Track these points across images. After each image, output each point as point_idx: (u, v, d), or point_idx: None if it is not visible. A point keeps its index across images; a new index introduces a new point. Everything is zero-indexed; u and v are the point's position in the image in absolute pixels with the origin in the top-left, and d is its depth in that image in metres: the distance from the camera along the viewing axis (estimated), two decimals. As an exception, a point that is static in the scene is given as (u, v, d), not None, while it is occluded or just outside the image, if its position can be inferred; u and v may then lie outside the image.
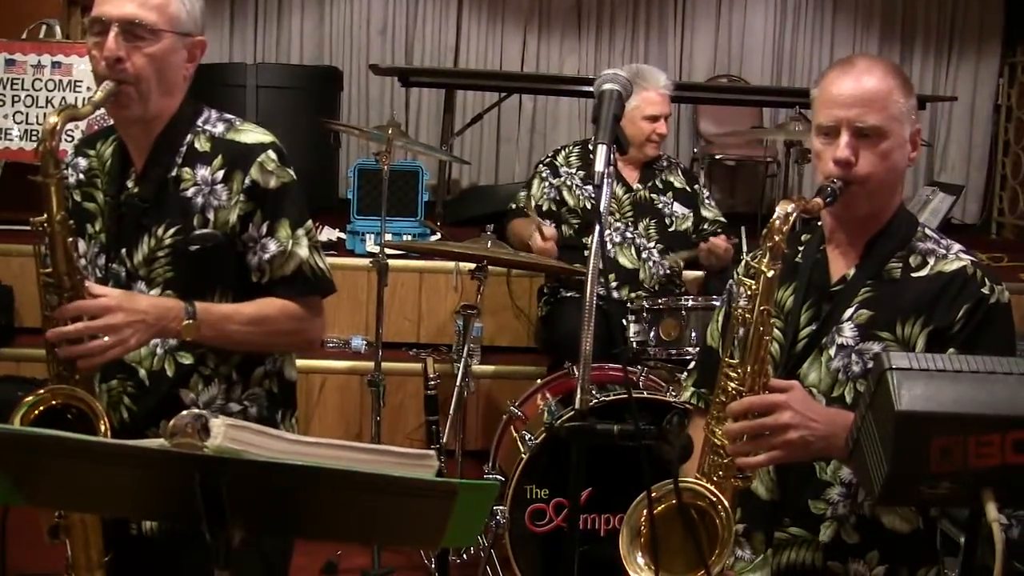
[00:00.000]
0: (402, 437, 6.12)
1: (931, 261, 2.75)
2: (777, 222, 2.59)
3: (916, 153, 2.80)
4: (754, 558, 2.83)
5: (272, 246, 2.79)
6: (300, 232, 2.83)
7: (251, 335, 2.78)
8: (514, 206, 5.57)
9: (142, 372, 2.80)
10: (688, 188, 5.56)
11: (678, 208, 5.46)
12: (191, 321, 2.65)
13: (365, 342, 6.44)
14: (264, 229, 2.78)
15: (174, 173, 2.78)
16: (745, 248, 5.26)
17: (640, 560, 2.54)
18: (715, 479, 2.66)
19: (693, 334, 4.81)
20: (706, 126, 9.43)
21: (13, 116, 6.64)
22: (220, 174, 2.77)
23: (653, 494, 2.49)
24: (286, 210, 2.81)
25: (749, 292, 2.64)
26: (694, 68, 9.77)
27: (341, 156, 8.78)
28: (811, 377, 2.77)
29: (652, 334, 4.88)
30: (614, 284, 5.18)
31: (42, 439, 1.94)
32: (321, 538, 2.07)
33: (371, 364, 5.26)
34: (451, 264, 6.36)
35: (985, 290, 2.67)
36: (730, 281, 3.08)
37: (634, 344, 4.89)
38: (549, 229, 5.13)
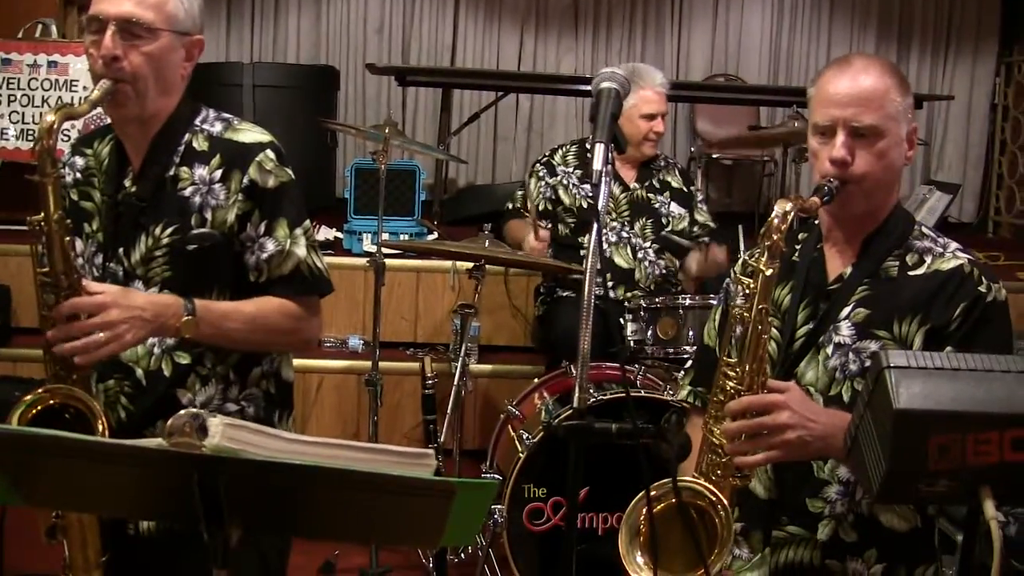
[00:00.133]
0: (399, 436, 6.12)
1: (928, 259, 2.75)
2: (775, 221, 2.59)
3: (913, 152, 2.80)
4: (752, 557, 2.84)
5: (270, 245, 2.78)
6: (298, 232, 2.83)
7: (249, 334, 2.78)
8: (511, 206, 5.57)
9: (139, 372, 2.80)
10: (685, 188, 5.56)
11: (675, 208, 5.46)
12: (190, 318, 2.64)
13: (362, 341, 6.44)
14: (262, 228, 2.78)
15: (172, 172, 2.78)
16: (743, 247, 5.26)
17: (639, 559, 2.54)
18: (713, 478, 2.66)
19: (690, 333, 4.81)
20: (703, 125, 9.42)
21: (9, 116, 6.63)
22: (218, 173, 2.77)
23: (652, 493, 2.49)
24: (284, 210, 2.81)
25: (747, 291, 2.64)
26: (691, 67, 9.76)
27: (338, 155, 8.76)
28: (808, 376, 2.77)
29: (649, 333, 4.88)
30: (610, 284, 5.18)
31: (40, 439, 1.94)
32: (319, 537, 2.06)
33: (368, 363, 5.26)
34: (448, 263, 6.36)
35: (982, 288, 2.67)
36: (727, 280, 3.08)
37: (631, 343, 4.89)
38: (544, 231, 5.13)
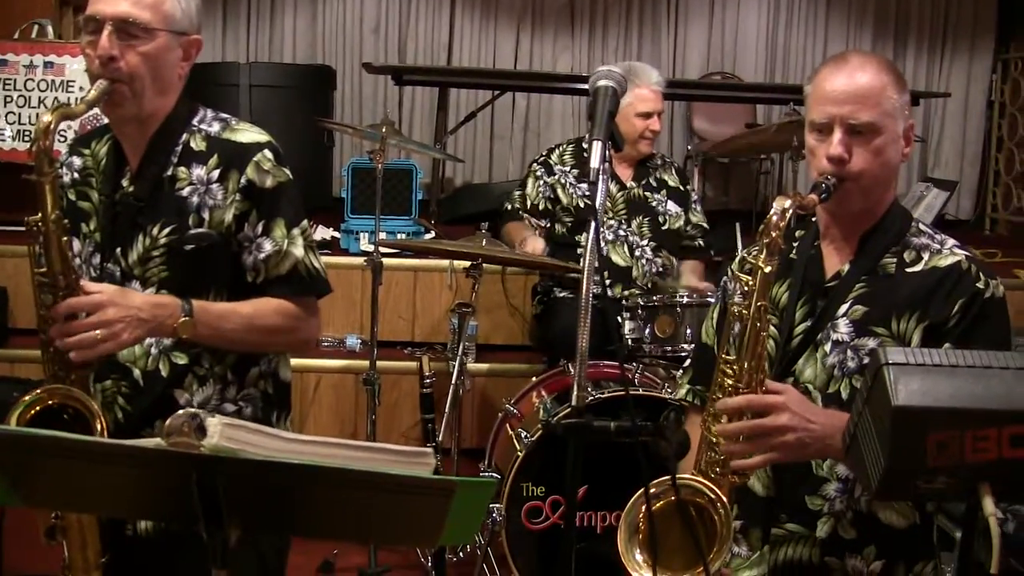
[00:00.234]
0: (397, 435, 6.11)
1: (925, 256, 2.75)
2: (774, 218, 2.59)
3: (909, 149, 2.80)
4: (751, 555, 2.84)
5: (267, 246, 2.78)
6: (296, 232, 2.82)
7: (247, 334, 2.77)
8: (508, 206, 5.56)
9: (136, 372, 2.79)
10: (681, 187, 5.57)
11: (672, 206, 5.47)
12: (187, 319, 2.64)
13: (360, 341, 6.44)
14: (260, 228, 2.78)
15: (169, 172, 2.78)
16: (740, 245, 5.27)
17: (638, 557, 2.53)
18: (712, 475, 2.66)
19: (688, 331, 4.81)
20: (700, 123, 9.43)
21: (5, 116, 6.63)
22: (216, 173, 2.76)
23: (651, 491, 2.49)
24: (282, 209, 2.81)
25: (745, 288, 2.64)
26: (687, 65, 9.77)
27: (335, 155, 8.77)
28: (807, 373, 2.77)
29: (647, 331, 4.89)
30: (607, 282, 5.18)
31: (39, 439, 1.94)
32: (319, 536, 2.06)
33: (366, 363, 5.26)
34: (445, 262, 6.37)
35: (980, 284, 2.67)
36: (724, 278, 3.08)
37: (629, 341, 4.89)
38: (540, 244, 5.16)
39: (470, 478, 1.90)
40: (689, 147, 9.38)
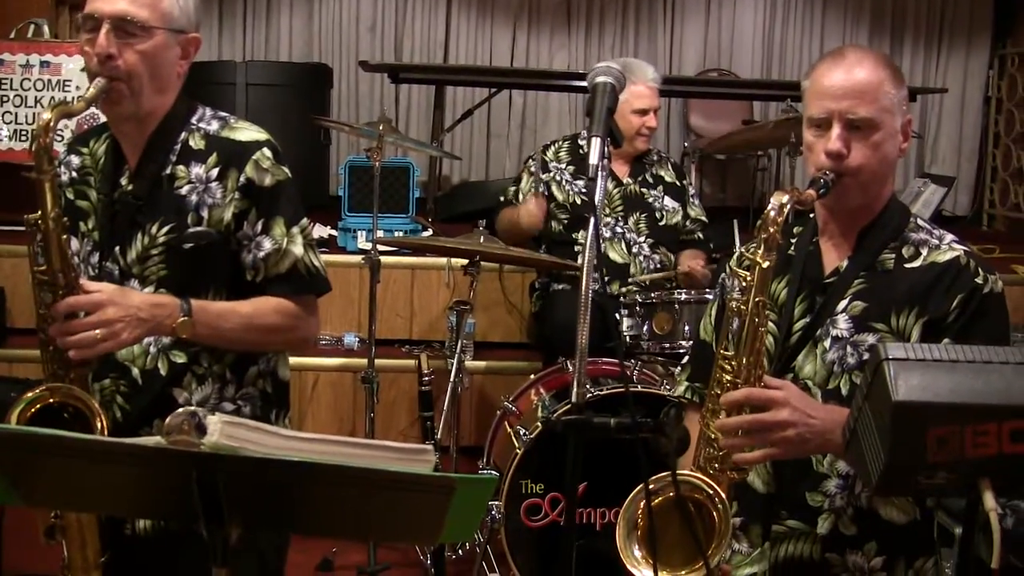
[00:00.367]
0: (395, 433, 6.11)
1: (924, 252, 2.75)
2: (772, 213, 2.59)
3: (907, 144, 2.80)
4: (751, 551, 2.83)
5: (267, 244, 2.78)
6: (295, 230, 2.82)
7: (246, 333, 2.77)
8: (503, 199, 5.56)
9: (135, 371, 2.79)
10: (678, 183, 5.57)
11: (668, 202, 5.47)
12: (186, 318, 2.64)
13: (357, 339, 6.44)
14: (259, 227, 2.78)
15: (168, 171, 2.78)
16: (738, 242, 5.27)
17: (637, 553, 2.53)
18: (711, 472, 2.65)
19: (686, 328, 4.82)
20: (696, 120, 9.43)
21: (2, 116, 6.62)
22: (215, 172, 2.76)
23: (650, 487, 2.49)
24: (281, 208, 2.81)
25: (744, 283, 2.64)
26: (684, 62, 9.76)
27: (331, 153, 8.76)
28: (806, 369, 2.77)
29: (645, 328, 4.89)
30: (606, 279, 5.18)
31: (39, 438, 1.93)
32: (319, 534, 2.07)
33: (363, 361, 5.26)
34: (443, 260, 6.37)
35: (979, 280, 2.67)
36: (723, 274, 3.08)
37: (627, 338, 4.89)
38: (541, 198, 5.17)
39: (470, 475, 1.90)
40: (686, 144, 9.38)
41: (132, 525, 2.81)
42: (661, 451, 2.35)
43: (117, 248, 2.77)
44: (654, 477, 2.50)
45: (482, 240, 4.76)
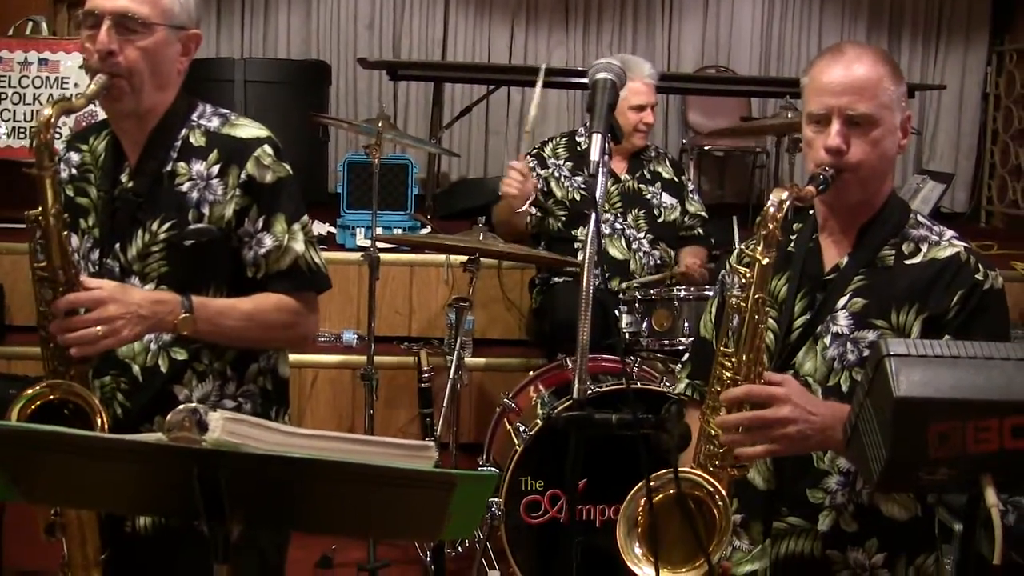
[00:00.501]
0: (394, 431, 6.10)
1: (924, 248, 2.75)
2: (771, 210, 2.59)
3: (906, 140, 2.80)
4: (752, 548, 2.83)
5: (268, 241, 2.78)
6: (296, 227, 2.82)
7: (247, 330, 2.77)
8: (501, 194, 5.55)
9: (135, 368, 2.79)
10: (676, 179, 5.57)
11: (666, 198, 5.47)
12: (187, 315, 2.64)
13: (356, 336, 6.44)
14: (260, 224, 2.78)
15: (169, 167, 2.78)
16: (737, 239, 5.27)
17: (638, 551, 2.54)
18: (711, 468, 2.66)
19: (686, 324, 4.81)
20: (694, 117, 9.43)
21: (0, 114, 6.62)
22: (216, 169, 2.76)
23: (651, 484, 2.49)
24: (282, 205, 2.81)
25: (743, 280, 2.64)
26: (682, 59, 9.76)
27: (330, 150, 8.76)
28: (807, 366, 2.77)
29: (644, 325, 4.89)
30: (606, 275, 5.18)
31: (40, 434, 1.93)
32: (320, 531, 2.07)
33: (362, 358, 5.24)
34: (441, 257, 6.36)
35: (979, 276, 2.67)
36: (723, 271, 3.08)
37: (627, 335, 4.89)
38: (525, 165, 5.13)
39: (471, 472, 1.90)
40: (684, 140, 9.38)
41: (132, 522, 2.81)
42: (662, 448, 2.35)
43: (117, 245, 2.77)
44: (655, 474, 2.50)
45: (481, 237, 4.76)
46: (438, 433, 4.40)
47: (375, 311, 5.15)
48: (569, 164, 5.44)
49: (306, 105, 7.82)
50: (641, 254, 5.31)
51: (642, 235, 5.34)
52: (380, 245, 5.24)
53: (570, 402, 2.34)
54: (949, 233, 2.80)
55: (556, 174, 5.42)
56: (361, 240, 6.65)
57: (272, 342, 2.90)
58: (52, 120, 2.53)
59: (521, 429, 4.43)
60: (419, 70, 8.44)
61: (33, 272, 2.56)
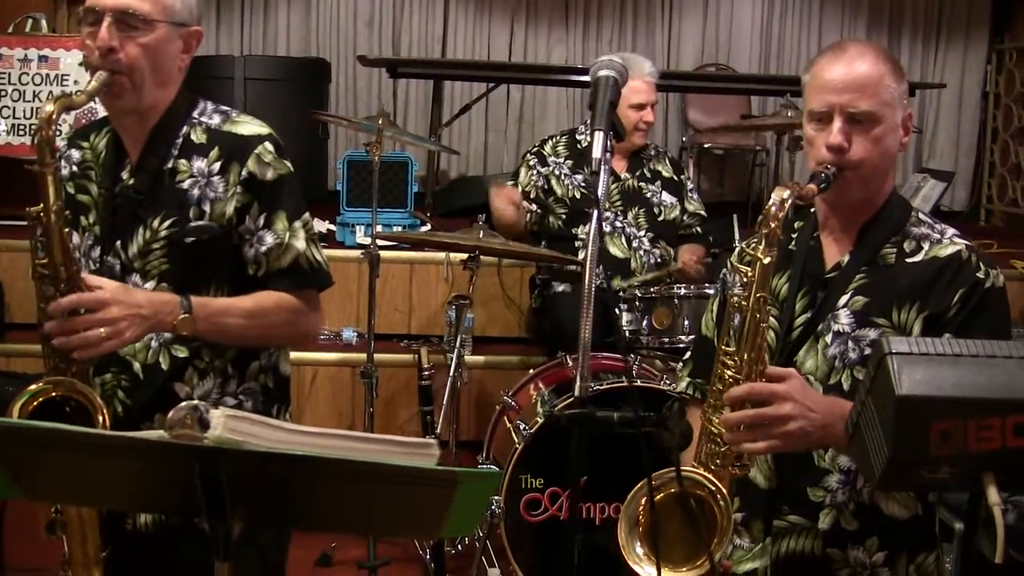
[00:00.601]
0: (394, 428, 6.10)
1: (925, 246, 2.75)
2: (773, 208, 2.58)
3: (907, 138, 2.79)
4: (753, 547, 2.83)
5: (269, 238, 2.78)
6: (297, 224, 2.82)
7: (247, 329, 2.77)
8: (501, 191, 5.56)
9: (136, 365, 2.78)
10: (675, 177, 5.57)
11: (666, 197, 5.47)
12: (187, 315, 2.64)
13: (356, 334, 6.44)
14: (261, 221, 2.77)
15: (170, 165, 2.77)
16: (737, 237, 5.27)
17: (639, 550, 2.54)
18: (712, 467, 2.65)
19: (686, 323, 4.82)
20: (694, 115, 9.42)
21: (0, 111, 6.62)
22: (217, 166, 2.76)
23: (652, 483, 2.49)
24: (283, 202, 2.80)
25: (745, 279, 2.63)
26: (682, 57, 9.76)
27: (330, 148, 8.76)
28: (808, 364, 2.76)
29: (644, 323, 4.89)
30: (607, 274, 5.17)
31: (41, 431, 1.93)
32: (322, 529, 2.07)
33: (362, 356, 5.25)
34: (440, 255, 6.36)
35: (980, 274, 2.67)
36: (724, 270, 3.07)
37: (627, 333, 4.89)
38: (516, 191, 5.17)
39: (474, 469, 1.90)
40: (684, 139, 9.38)
41: (133, 520, 2.81)
42: (664, 446, 2.35)
43: (118, 242, 2.76)
44: (656, 473, 2.50)
45: (481, 235, 4.76)
46: (438, 431, 4.40)
47: (375, 309, 5.16)
48: (569, 162, 5.44)
49: (306, 103, 7.82)
50: (641, 252, 5.32)
51: (642, 233, 5.34)
52: (380, 243, 5.24)
53: (571, 400, 2.34)
54: (951, 231, 2.79)
55: (556, 172, 5.43)
56: (361, 238, 6.65)
57: (273, 340, 2.90)
58: (54, 116, 2.53)
59: (521, 427, 4.43)
60: (419, 68, 8.45)
61: (34, 269, 2.55)
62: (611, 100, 2.33)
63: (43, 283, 2.55)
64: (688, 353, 3.23)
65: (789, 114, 5.54)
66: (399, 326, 6.65)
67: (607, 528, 4.10)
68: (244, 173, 2.75)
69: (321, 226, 7.07)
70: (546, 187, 5.42)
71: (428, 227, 6.78)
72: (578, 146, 5.48)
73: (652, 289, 4.93)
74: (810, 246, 2.86)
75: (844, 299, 2.75)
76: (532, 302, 5.80)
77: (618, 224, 5.32)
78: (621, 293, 5.01)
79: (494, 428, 4.92)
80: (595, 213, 2.25)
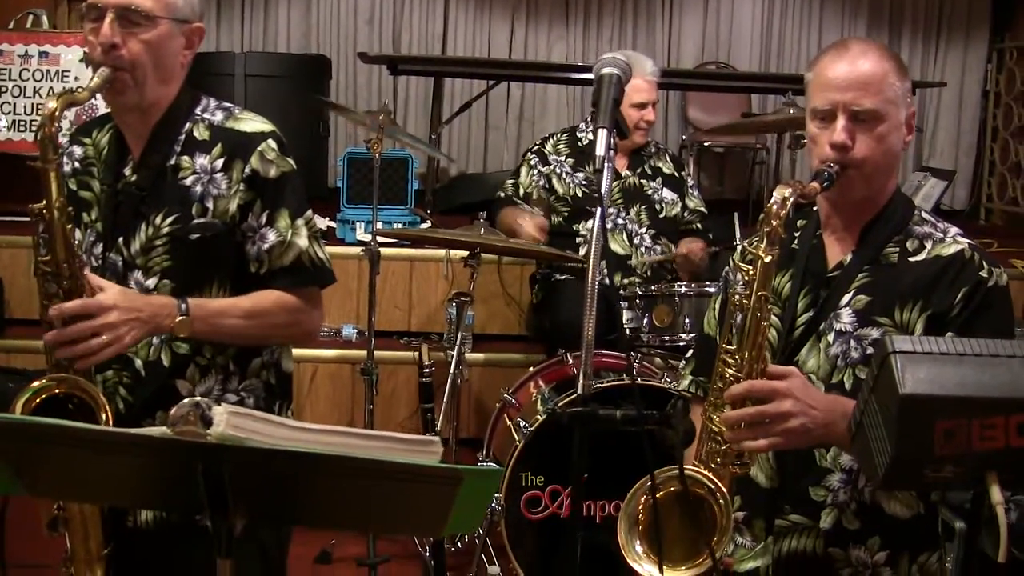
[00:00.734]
0: (394, 426, 6.10)
1: (928, 245, 2.74)
2: (774, 207, 2.58)
3: (911, 136, 2.79)
4: (755, 545, 2.83)
5: (271, 236, 2.77)
6: (300, 222, 2.82)
7: (247, 329, 2.77)
8: (502, 194, 5.55)
9: (138, 362, 2.78)
10: (676, 174, 5.57)
11: (667, 194, 5.47)
12: (184, 317, 2.64)
13: (356, 331, 6.43)
14: (264, 219, 2.77)
15: (172, 161, 2.77)
16: (739, 235, 5.27)
17: (639, 548, 2.54)
18: (713, 466, 2.65)
19: (686, 320, 4.81)
20: (695, 113, 9.41)
21: (0, 107, 6.61)
22: (220, 163, 2.75)
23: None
24: (286, 200, 2.80)
25: (746, 278, 2.63)
26: (682, 55, 9.74)
27: (330, 145, 8.75)
28: (810, 363, 2.76)
29: (645, 320, 4.88)
30: (608, 270, 5.17)
31: (44, 428, 1.93)
32: (325, 526, 2.07)
33: (362, 353, 5.25)
34: (440, 252, 6.35)
35: (983, 273, 2.67)
36: (726, 268, 3.07)
37: (627, 330, 4.89)
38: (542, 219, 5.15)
39: (477, 467, 1.90)
40: (684, 137, 9.37)
41: (134, 517, 2.81)
42: (666, 444, 2.35)
43: (121, 239, 2.76)
44: (657, 471, 2.49)
45: (482, 232, 4.75)
46: (440, 428, 4.40)
47: (375, 306, 5.15)
48: (570, 160, 5.44)
49: (307, 99, 7.81)
50: (643, 249, 5.32)
51: (644, 230, 5.34)
52: (380, 240, 5.24)
53: (572, 398, 2.33)
54: (953, 230, 2.79)
55: (557, 171, 5.43)
56: (361, 235, 6.64)
57: (274, 339, 2.90)
58: (56, 113, 2.52)
59: (522, 425, 4.43)
60: (419, 65, 8.44)
61: (36, 266, 2.55)
62: (615, 97, 2.33)
63: (45, 280, 2.55)
64: (690, 351, 3.22)
65: (790, 112, 5.53)
66: (399, 323, 6.65)
67: (607, 526, 4.10)
68: (247, 170, 2.74)
69: (321, 223, 7.06)
70: (547, 186, 5.42)
71: (428, 224, 6.78)
72: (579, 144, 5.48)
73: (653, 287, 4.93)
74: (812, 245, 2.85)
75: (846, 298, 2.75)
76: (533, 298, 5.80)
77: (620, 221, 5.33)
78: (622, 290, 5.00)
79: (494, 426, 4.91)
80: (599, 211, 2.25)
